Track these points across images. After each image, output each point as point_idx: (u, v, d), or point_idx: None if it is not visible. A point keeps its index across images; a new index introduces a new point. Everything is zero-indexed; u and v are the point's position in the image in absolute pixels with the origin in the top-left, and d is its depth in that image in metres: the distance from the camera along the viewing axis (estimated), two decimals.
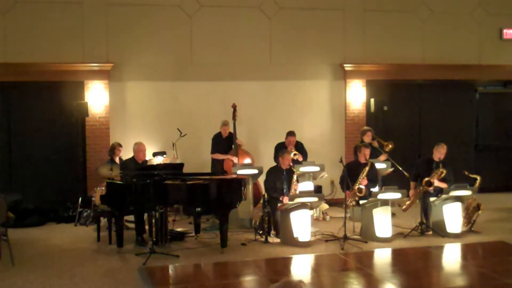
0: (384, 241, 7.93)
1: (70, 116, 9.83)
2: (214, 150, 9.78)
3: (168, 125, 10.24)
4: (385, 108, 11.08)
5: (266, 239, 7.98)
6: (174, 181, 7.69)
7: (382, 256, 7.59)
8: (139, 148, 8.68)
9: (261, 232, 8.11)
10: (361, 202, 8.31)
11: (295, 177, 8.37)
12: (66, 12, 10.05)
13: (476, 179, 8.73)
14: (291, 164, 8.55)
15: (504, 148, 12.42)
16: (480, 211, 8.58)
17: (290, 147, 9.55)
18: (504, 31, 12.04)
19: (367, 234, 8.10)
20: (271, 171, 8.56)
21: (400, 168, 9.43)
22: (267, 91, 10.91)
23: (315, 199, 8.02)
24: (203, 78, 10.59)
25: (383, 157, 9.74)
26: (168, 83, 10.51)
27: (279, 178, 8.41)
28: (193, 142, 10.19)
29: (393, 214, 8.57)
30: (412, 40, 11.59)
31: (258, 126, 10.77)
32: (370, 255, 7.53)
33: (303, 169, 9.22)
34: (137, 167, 8.29)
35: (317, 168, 9.34)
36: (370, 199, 8.14)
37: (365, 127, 10.25)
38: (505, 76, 12.29)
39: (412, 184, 8.82)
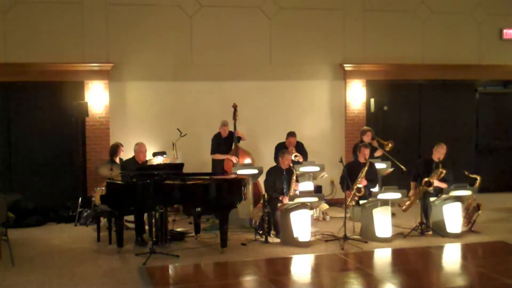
0: (384, 241, 7.94)
1: (70, 116, 9.83)
2: (213, 150, 9.78)
3: (168, 125, 10.23)
4: (385, 108, 11.06)
5: (266, 239, 7.98)
6: (174, 181, 7.68)
7: (382, 256, 7.59)
8: (140, 149, 8.67)
9: (261, 232, 8.11)
10: (361, 202, 8.31)
11: (294, 177, 8.37)
12: (66, 12, 10.06)
13: (476, 179, 8.73)
14: (291, 164, 8.55)
15: (504, 148, 12.43)
16: (480, 211, 8.59)
17: (290, 148, 9.56)
18: (504, 31, 12.04)
19: (367, 234, 8.11)
20: (271, 171, 8.55)
21: (397, 162, 9.46)
22: (267, 91, 10.91)
23: (315, 199, 8.02)
24: (203, 78, 10.59)
25: (379, 152, 9.75)
26: (168, 83, 10.50)
27: (279, 178, 8.41)
28: (193, 142, 10.18)
29: (393, 214, 8.57)
30: (412, 40, 11.59)
31: (258, 126, 10.77)
32: (370, 255, 7.53)
33: (303, 169, 9.22)
34: (137, 167, 8.29)
35: (317, 168, 9.34)
36: (370, 199, 8.14)
37: (365, 127, 10.24)
38: (505, 76, 12.29)
39: (412, 184, 8.83)
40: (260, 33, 10.84)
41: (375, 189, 8.55)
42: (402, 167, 9.37)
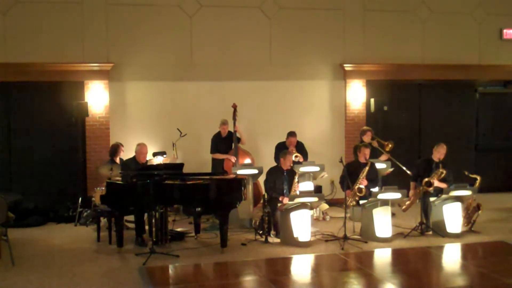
0: (384, 241, 7.94)
1: (70, 116, 9.83)
2: (213, 149, 9.80)
3: (168, 125, 10.23)
4: (385, 108, 11.07)
5: (266, 239, 7.98)
6: (174, 181, 7.68)
7: (382, 256, 7.59)
8: (141, 150, 8.67)
9: (261, 232, 8.11)
10: (361, 202, 8.31)
11: (296, 178, 8.37)
12: (66, 12, 10.06)
13: (476, 179, 8.72)
14: (292, 165, 8.54)
15: (504, 148, 12.43)
16: (480, 211, 8.59)
17: (291, 148, 9.56)
18: (504, 31, 12.05)
19: (367, 234, 8.10)
20: (271, 171, 8.56)
21: (404, 168, 9.39)
22: (267, 91, 10.91)
23: (315, 199, 8.02)
24: (203, 78, 10.59)
25: (384, 157, 9.71)
26: (168, 83, 10.51)
27: (279, 178, 8.41)
28: (193, 142, 10.19)
29: (393, 214, 8.57)
30: (412, 40, 11.59)
31: (258, 126, 10.77)
32: (370, 255, 7.53)
33: (303, 169, 9.20)
34: (137, 167, 8.29)
35: (317, 168, 9.33)
36: (370, 199, 8.14)
37: (365, 127, 10.24)
38: (505, 76, 12.29)
39: (412, 184, 8.83)
40: (260, 33, 10.84)
41: (375, 189, 8.56)
42: (408, 171, 9.29)
